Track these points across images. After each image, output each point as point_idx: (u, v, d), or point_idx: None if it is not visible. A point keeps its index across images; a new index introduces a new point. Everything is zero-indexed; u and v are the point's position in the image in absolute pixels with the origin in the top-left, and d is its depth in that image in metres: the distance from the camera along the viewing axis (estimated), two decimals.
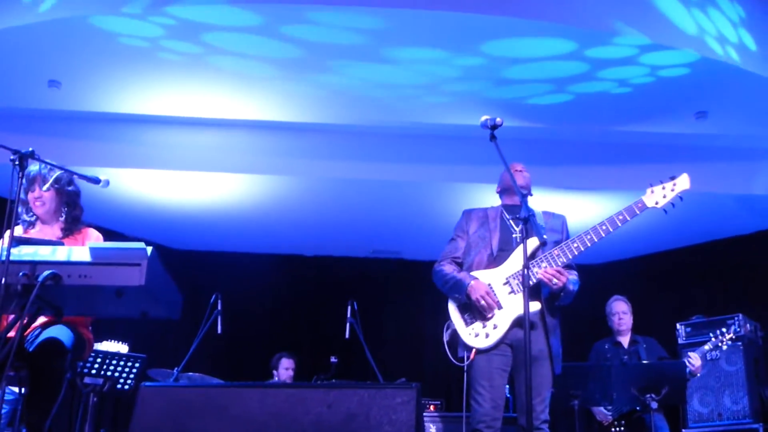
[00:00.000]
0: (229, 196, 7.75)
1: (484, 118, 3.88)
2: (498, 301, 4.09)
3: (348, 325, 6.30)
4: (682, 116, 6.67)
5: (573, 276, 4.21)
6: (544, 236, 4.01)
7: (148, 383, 1.99)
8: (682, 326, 7.15)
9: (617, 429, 5.93)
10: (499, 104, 6.51)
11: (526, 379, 3.32)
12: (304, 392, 2.09)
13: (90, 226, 4.20)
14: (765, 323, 7.13)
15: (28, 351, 3.47)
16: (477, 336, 4.10)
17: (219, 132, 7.08)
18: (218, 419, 1.87)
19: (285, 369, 7.28)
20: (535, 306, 4.03)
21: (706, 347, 6.07)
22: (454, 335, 4.18)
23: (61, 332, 3.51)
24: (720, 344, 6.08)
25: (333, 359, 7.00)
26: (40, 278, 2.83)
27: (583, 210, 7.38)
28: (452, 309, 4.24)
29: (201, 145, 7.08)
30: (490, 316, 4.09)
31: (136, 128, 6.99)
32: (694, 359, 5.84)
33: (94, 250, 2.93)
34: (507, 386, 4.38)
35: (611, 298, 6.53)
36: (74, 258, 2.92)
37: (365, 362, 6.14)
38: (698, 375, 6.06)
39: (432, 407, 5.13)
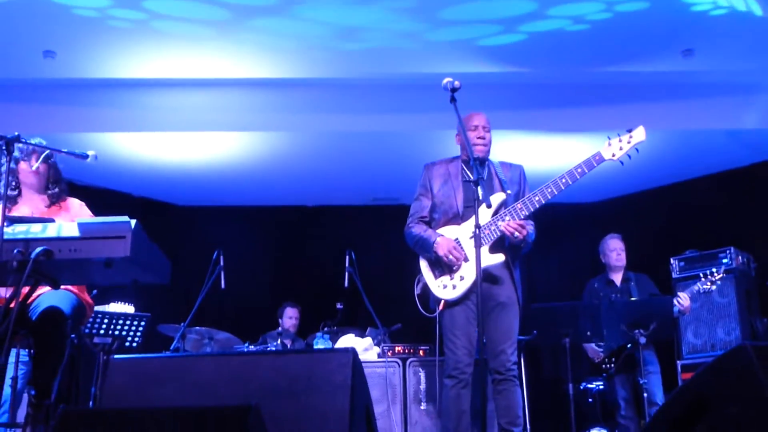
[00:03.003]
0: (227, 153, 7.91)
1: (445, 81, 4.00)
2: (465, 255, 4.29)
3: (346, 274, 6.52)
4: (668, 54, 6.70)
5: (530, 228, 4.40)
6: (507, 191, 4.20)
7: (117, 356, 2.19)
8: (676, 261, 7.29)
9: (608, 365, 6.14)
10: (486, 51, 6.61)
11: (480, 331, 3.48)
12: (255, 359, 2.30)
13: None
14: (757, 255, 7.26)
15: (31, 320, 3.71)
16: (445, 288, 4.32)
17: (213, 92, 7.18)
18: (177, 385, 2.07)
19: (289, 318, 7.51)
20: (499, 257, 4.25)
21: (696, 287, 6.21)
22: (425, 288, 4.40)
23: (61, 300, 3.73)
24: (710, 284, 6.21)
25: (339, 305, 7.22)
26: (33, 254, 3.04)
27: (574, 151, 7.49)
28: (423, 264, 4.46)
29: (196, 106, 7.19)
30: (456, 268, 4.29)
31: (132, 92, 7.11)
32: (683, 299, 5.97)
33: (82, 226, 3.13)
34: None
35: (606, 236, 6.65)
36: (64, 234, 3.12)
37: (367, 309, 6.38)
38: (688, 314, 6.23)
39: (422, 352, 5.36)
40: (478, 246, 3.58)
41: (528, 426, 5.32)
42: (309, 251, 9.25)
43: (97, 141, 7.28)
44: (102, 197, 8.34)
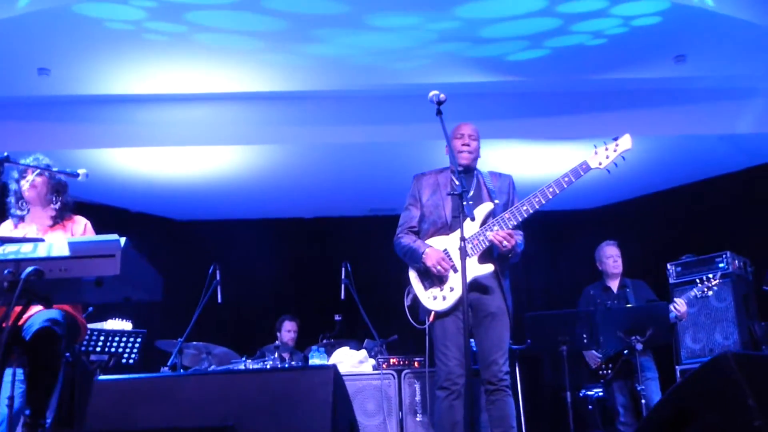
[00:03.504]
0: (224, 167, 7.93)
1: (432, 93, 4.02)
2: (453, 265, 4.30)
3: (342, 286, 6.53)
4: (661, 61, 6.73)
5: (520, 237, 4.41)
6: (495, 200, 4.21)
7: (101, 377, 2.20)
8: (673, 266, 7.30)
9: (605, 371, 6.14)
10: (478, 62, 6.65)
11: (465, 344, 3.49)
12: (238, 377, 2.31)
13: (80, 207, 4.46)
14: (754, 259, 7.26)
15: (25, 339, 3.73)
16: (435, 299, 4.33)
17: (209, 106, 7.22)
18: (162, 405, 2.08)
19: (287, 331, 7.51)
20: (488, 267, 4.26)
21: (692, 292, 6.22)
22: (415, 300, 4.41)
23: (54, 320, 3.74)
24: (706, 289, 6.21)
25: (337, 317, 7.24)
26: (24, 275, 3.05)
27: (569, 159, 7.52)
28: (412, 275, 4.46)
29: (192, 121, 7.23)
30: (445, 279, 4.30)
31: (128, 108, 7.15)
32: (679, 305, 5.97)
33: (71, 245, 3.14)
34: (472, 340, 4.60)
35: (602, 243, 6.66)
36: (54, 253, 3.12)
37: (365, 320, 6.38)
38: (685, 319, 6.23)
39: (416, 364, 5.37)
40: (463, 258, 3.60)
41: None
42: (307, 263, 9.26)
43: (94, 157, 7.31)
44: (99, 213, 8.33)
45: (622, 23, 6.18)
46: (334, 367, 2.09)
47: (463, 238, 3.62)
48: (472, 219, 3.85)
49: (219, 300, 6.24)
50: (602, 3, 5.90)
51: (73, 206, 4.44)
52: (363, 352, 5.52)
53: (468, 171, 4.54)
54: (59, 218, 4.31)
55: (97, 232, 4.37)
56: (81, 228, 4.32)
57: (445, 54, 6.58)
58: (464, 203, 3.69)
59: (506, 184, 4.60)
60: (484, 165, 4.77)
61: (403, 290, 4.64)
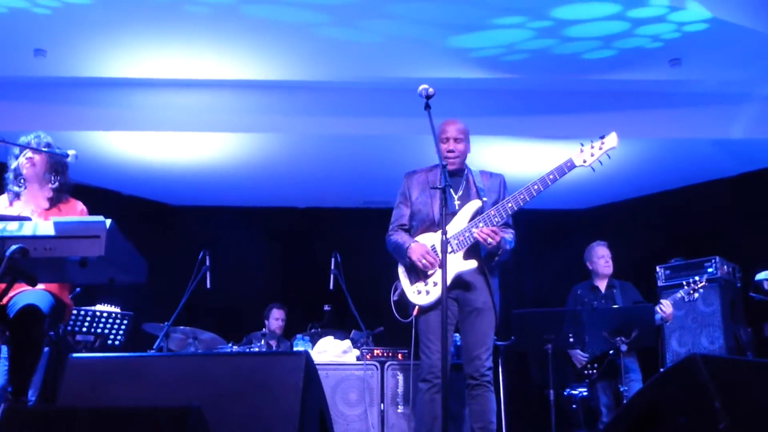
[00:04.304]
0: (217, 154, 7.93)
1: (421, 87, 4.05)
2: (440, 260, 4.32)
3: (332, 276, 6.56)
4: (656, 63, 6.73)
5: (509, 235, 4.43)
6: (484, 198, 4.24)
7: (76, 355, 2.23)
8: (662, 269, 7.33)
9: (590, 371, 6.17)
10: (475, 59, 6.66)
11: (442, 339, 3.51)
12: (210, 360, 2.34)
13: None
14: (744, 265, 7.29)
15: (9, 317, 3.74)
16: (419, 293, 4.38)
17: (203, 92, 7.21)
18: (133, 385, 2.10)
19: (275, 319, 7.54)
20: (472, 264, 4.29)
21: (678, 295, 6.24)
22: (402, 295, 4.45)
23: (39, 299, 3.77)
24: (692, 292, 6.24)
25: (326, 307, 7.28)
26: (8, 252, 3.06)
27: (562, 158, 7.54)
28: (401, 271, 4.53)
29: (186, 106, 7.23)
30: (431, 274, 4.33)
31: (123, 91, 7.14)
32: (665, 306, 5.97)
33: (57, 225, 3.15)
34: (456, 334, 4.66)
35: (593, 243, 6.68)
36: (39, 232, 3.14)
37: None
38: (670, 321, 6.26)
39: (400, 356, 5.40)
40: (444, 250, 3.63)
41: (504, 431, 5.34)
42: (299, 253, 9.27)
43: (88, 139, 7.32)
44: (92, 196, 8.31)
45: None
46: (306, 353, 2.11)
47: (444, 231, 3.65)
48: (451, 211, 3.87)
49: (208, 286, 6.26)
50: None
51: (72, 188, 4.43)
52: (347, 342, 5.55)
53: (459, 170, 4.58)
54: (56, 200, 4.29)
55: (90, 214, 4.36)
56: (76, 212, 4.31)
57: (441, 49, 6.58)
58: (446, 197, 3.71)
59: (497, 183, 4.62)
60: (475, 162, 4.79)
61: (393, 283, 4.68)
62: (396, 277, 4.57)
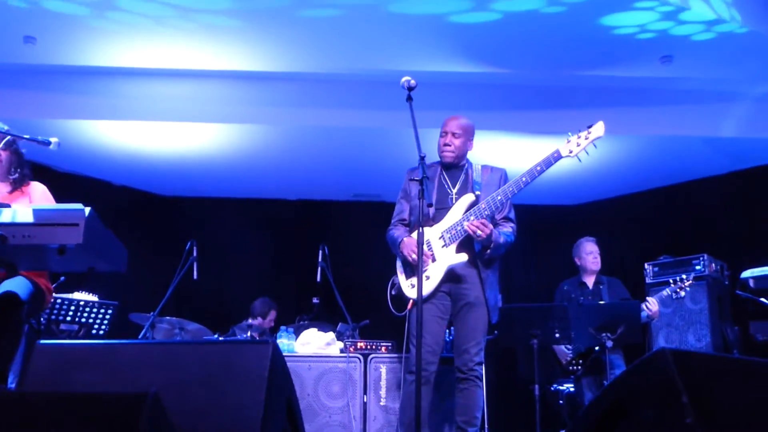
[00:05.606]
0: (208, 144, 7.92)
1: (403, 79, 4.04)
2: (433, 254, 4.35)
3: (319, 269, 6.54)
4: (647, 60, 6.72)
5: (506, 229, 4.44)
6: (477, 192, 4.24)
7: (42, 341, 2.22)
8: (650, 266, 7.33)
9: (575, 367, 6.18)
10: (467, 52, 6.64)
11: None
12: (176, 347, 2.34)
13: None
14: (732, 263, 7.30)
15: None
16: (413, 287, 4.37)
17: (195, 83, 7.20)
18: (100, 372, 2.10)
19: (271, 320, 7.53)
20: (462, 257, 4.30)
21: (665, 293, 6.25)
22: (400, 290, 4.47)
23: (17, 285, 3.76)
24: (679, 290, 6.25)
25: (315, 300, 7.27)
26: None
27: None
28: (398, 265, 4.56)
29: (177, 96, 7.22)
30: (423, 269, 4.34)
31: (113, 81, 7.13)
32: (651, 304, 6.01)
33: (36, 212, 3.14)
34: (448, 330, 4.67)
35: (581, 239, 6.68)
36: (18, 219, 3.13)
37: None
38: (656, 319, 6.27)
39: (384, 349, 5.39)
40: (420, 244, 3.63)
41: (486, 427, 5.34)
42: (288, 245, 9.28)
43: (78, 128, 7.30)
44: (81, 185, 8.35)
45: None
46: (273, 342, 2.11)
47: (420, 225, 3.65)
48: (430, 204, 3.86)
49: (195, 276, 6.25)
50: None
51: (30, 175, 4.38)
52: (330, 335, 5.55)
53: (456, 165, 4.57)
54: (15, 187, 4.25)
55: (81, 203, 4.31)
56: (38, 193, 4.27)
57: (434, 42, 6.57)
58: (423, 188, 3.70)
59: (497, 177, 4.61)
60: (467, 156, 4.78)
61: (384, 277, 4.70)
62: (395, 272, 4.60)
